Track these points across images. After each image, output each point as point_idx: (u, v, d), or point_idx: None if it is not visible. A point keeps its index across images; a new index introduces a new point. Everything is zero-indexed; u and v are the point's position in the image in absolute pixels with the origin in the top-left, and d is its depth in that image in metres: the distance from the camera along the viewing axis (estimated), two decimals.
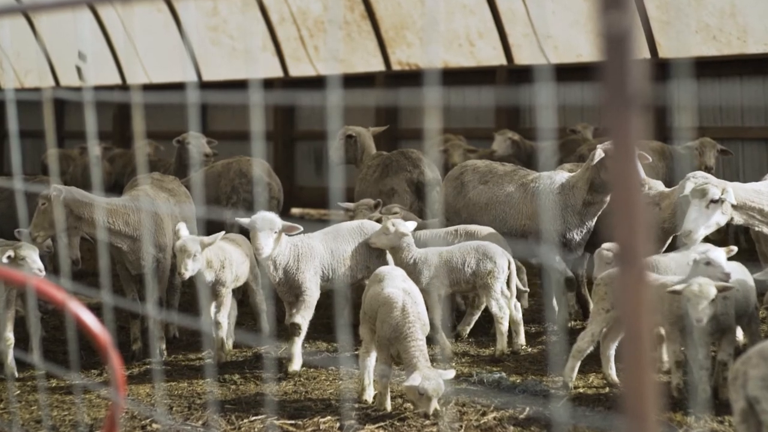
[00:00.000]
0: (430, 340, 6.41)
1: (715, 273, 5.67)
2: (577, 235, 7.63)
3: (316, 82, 15.37)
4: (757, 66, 11.75)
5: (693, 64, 11.47)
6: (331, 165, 12.31)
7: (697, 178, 6.61)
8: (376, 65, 15.18)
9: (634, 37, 1.92)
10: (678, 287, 5.54)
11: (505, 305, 7.14)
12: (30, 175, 10.29)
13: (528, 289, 8.29)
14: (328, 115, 14.18)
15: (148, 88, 17.78)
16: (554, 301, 7.80)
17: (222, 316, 7.23)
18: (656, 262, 6.48)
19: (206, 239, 6.98)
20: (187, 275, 6.83)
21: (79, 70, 17.04)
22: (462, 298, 8.26)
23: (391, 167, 9.38)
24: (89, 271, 10.63)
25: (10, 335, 7.04)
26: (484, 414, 5.86)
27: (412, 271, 6.93)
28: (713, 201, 6.36)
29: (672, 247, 7.23)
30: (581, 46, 13.12)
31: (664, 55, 12.13)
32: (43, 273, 6.81)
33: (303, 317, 6.87)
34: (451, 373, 5.66)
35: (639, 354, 1.98)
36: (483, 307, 7.62)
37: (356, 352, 6.58)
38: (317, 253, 6.97)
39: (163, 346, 7.64)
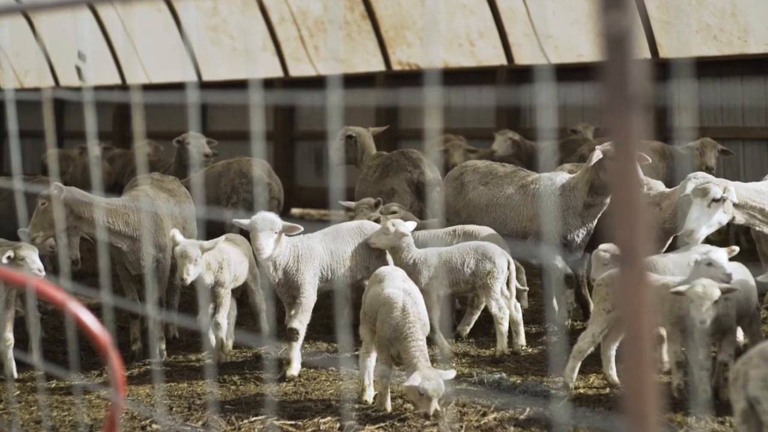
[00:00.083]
0: (430, 341, 6.40)
1: (716, 274, 5.66)
2: (577, 237, 7.63)
3: (316, 82, 15.36)
4: (758, 66, 11.75)
5: (694, 64, 11.46)
6: (331, 165, 12.31)
7: (698, 179, 6.61)
8: (376, 65, 15.17)
9: (634, 37, 1.92)
10: (681, 288, 5.53)
11: (505, 305, 7.14)
12: (30, 176, 10.29)
13: (527, 288, 8.28)
14: (328, 115, 14.18)
15: (148, 88, 17.78)
16: (554, 302, 7.79)
17: (221, 317, 7.22)
18: (655, 262, 6.47)
19: (206, 244, 6.97)
20: (189, 280, 6.82)
21: (78, 70, 17.04)
22: (459, 302, 8.24)
23: (392, 167, 9.37)
24: (89, 271, 10.62)
25: (9, 336, 7.04)
26: (484, 414, 5.85)
27: (412, 271, 6.92)
28: (715, 200, 6.35)
29: (672, 248, 7.22)
30: (582, 46, 13.11)
31: (664, 55, 12.12)
32: (43, 273, 6.81)
33: (301, 322, 6.86)
34: (451, 374, 5.66)
35: (639, 354, 1.98)
36: (483, 306, 7.61)
37: (356, 353, 6.57)
38: (317, 254, 6.96)
39: (163, 347, 7.63)
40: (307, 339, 7.31)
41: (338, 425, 5.82)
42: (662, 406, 5.50)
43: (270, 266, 6.77)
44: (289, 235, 6.80)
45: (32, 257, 6.82)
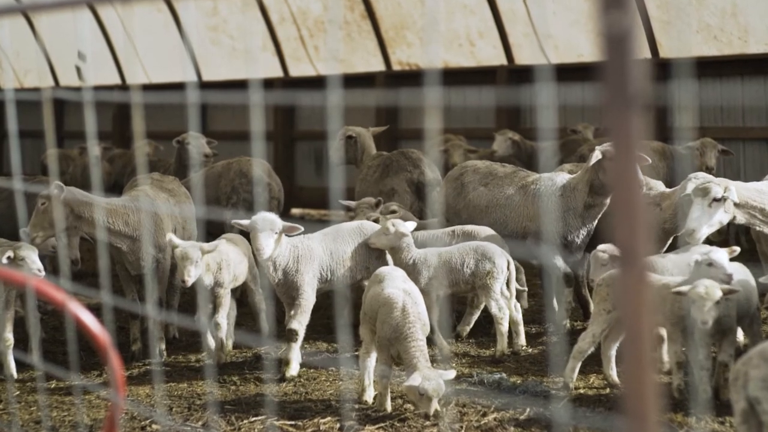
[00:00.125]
0: (429, 341, 6.40)
1: (717, 274, 5.65)
2: (578, 238, 7.62)
3: (316, 82, 15.36)
4: (758, 66, 11.74)
5: (694, 64, 11.45)
6: (331, 165, 12.31)
7: (698, 179, 6.60)
8: (377, 65, 15.17)
9: (634, 37, 1.91)
10: (683, 288, 5.52)
11: (505, 306, 7.13)
12: (29, 176, 10.29)
13: (526, 289, 8.26)
14: (328, 115, 14.18)
15: (147, 88, 17.77)
16: (555, 302, 7.79)
17: (221, 317, 7.21)
18: (653, 262, 6.47)
19: (206, 246, 6.96)
20: (190, 282, 6.81)
21: (78, 70, 17.04)
22: (459, 302, 8.23)
23: (392, 167, 9.37)
24: (89, 271, 10.62)
25: (9, 336, 7.03)
26: (484, 415, 5.85)
27: (411, 271, 6.92)
28: (716, 199, 6.35)
29: (673, 248, 7.22)
30: (582, 46, 13.11)
31: (665, 55, 12.12)
32: (43, 273, 6.80)
33: (299, 323, 6.85)
34: (451, 374, 5.65)
35: (640, 355, 1.97)
36: (482, 306, 7.61)
37: (356, 353, 6.57)
38: (316, 255, 6.95)
39: (163, 347, 7.63)
40: (307, 339, 7.30)
41: (338, 425, 5.81)
42: (662, 406, 5.50)
43: (270, 267, 6.76)
44: (289, 236, 6.79)
45: (32, 257, 6.82)
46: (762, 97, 11.84)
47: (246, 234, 6.91)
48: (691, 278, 5.76)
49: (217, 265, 7.12)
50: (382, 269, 6.42)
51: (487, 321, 7.79)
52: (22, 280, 4.80)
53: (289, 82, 16.12)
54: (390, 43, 14.95)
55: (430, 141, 12.45)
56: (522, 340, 7.26)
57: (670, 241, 7.37)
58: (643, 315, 1.97)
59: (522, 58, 13.73)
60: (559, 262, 7.59)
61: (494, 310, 7.11)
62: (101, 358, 3.99)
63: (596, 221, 7.60)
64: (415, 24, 14.64)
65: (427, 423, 5.68)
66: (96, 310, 7.04)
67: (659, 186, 7.57)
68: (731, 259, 5.94)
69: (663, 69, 11.43)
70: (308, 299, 6.89)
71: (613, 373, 6.20)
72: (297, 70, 16.14)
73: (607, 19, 1.91)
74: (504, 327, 7.12)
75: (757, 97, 11.86)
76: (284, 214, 9.92)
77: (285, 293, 6.92)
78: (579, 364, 6.18)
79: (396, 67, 15.00)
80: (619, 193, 1.97)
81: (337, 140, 9.88)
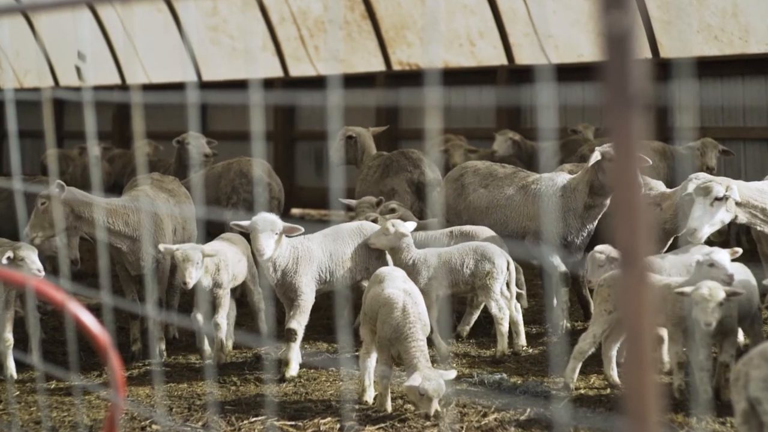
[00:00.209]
0: (429, 341, 6.40)
1: (718, 275, 5.64)
2: (577, 238, 7.61)
3: (317, 82, 15.36)
4: (759, 66, 11.74)
5: (694, 64, 11.45)
6: (331, 165, 12.30)
7: (699, 180, 6.60)
8: (377, 65, 15.17)
9: (635, 37, 1.91)
10: (686, 289, 5.51)
11: (505, 306, 7.13)
12: (29, 176, 10.28)
13: (523, 291, 8.21)
14: (328, 115, 14.17)
15: (147, 88, 17.77)
16: (555, 302, 7.78)
17: (221, 318, 7.20)
18: (651, 262, 6.45)
19: (207, 250, 6.95)
20: (191, 284, 6.80)
21: (78, 70, 17.04)
22: (459, 302, 8.22)
23: (392, 167, 9.37)
24: (89, 271, 10.61)
25: (9, 336, 7.03)
26: (485, 415, 5.84)
27: (411, 271, 6.91)
28: (717, 199, 6.34)
29: (673, 248, 7.21)
30: (582, 46, 13.10)
31: (665, 55, 12.11)
32: (43, 274, 6.80)
33: (298, 323, 6.84)
34: (452, 374, 5.65)
35: (640, 355, 1.97)
36: (482, 306, 7.60)
37: (357, 353, 6.56)
38: (315, 256, 6.94)
39: (163, 347, 7.62)
40: (307, 339, 7.29)
41: (338, 426, 5.81)
42: (663, 406, 5.49)
43: (269, 267, 6.75)
44: (289, 236, 6.79)
45: (32, 257, 6.81)
46: (763, 97, 11.83)
47: (246, 234, 6.90)
48: (692, 279, 5.75)
49: (215, 266, 7.11)
50: (383, 269, 6.41)
51: (488, 321, 7.78)
52: (21, 280, 4.80)
53: (289, 82, 16.12)
54: (390, 43, 14.95)
55: (430, 141, 12.45)
56: (522, 340, 7.26)
57: (670, 242, 7.36)
58: (644, 315, 1.96)
59: (522, 58, 13.73)
60: (557, 261, 7.58)
61: (494, 310, 7.10)
62: (101, 358, 3.99)
63: (596, 222, 7.60)
64: (415, 24, 14.64)
65: (428, 423, 5.67)
66: (96, 310, 7.04)
67: (660, 186, 7.56)
68: (732, 260, 5.93)
69: (663, 69, 11.42)
70: (307, 300, 6.88)
71: (614, 373, 6.20)
72: (297, 70, 16.14)
73: (607, 19, 1.91)
74: (504, 327, 7.12)
75: (757, 97, 11.85)
76: (284, 215, 9.92)
77: (283, 294, 6.91)
78: (579, 365, 6.17)
79: (396, 67, 14.99)
80: (619, 194, 1.96)
81: (337, 140, 9.88)
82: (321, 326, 8.17)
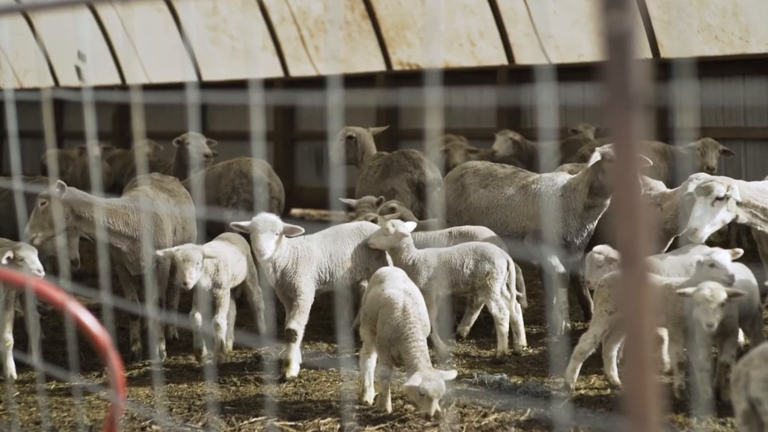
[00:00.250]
0: (429, 341, 6.40)
1: (719, 275, 5.63)
2: (577, 239, 7.61)
3: (317, 82, 15.35)
4: (760, 66, 11.73)
5: (695, 64, 11.44)
6: (331, 165, 12.30)
7: (699, 180, 6.59)
8: (377, 65, 15.16)
9: (635, 37, 1.90)
10: (688, 290, 5.50)
11: (505, 306, 7.12)
12: (29, 176, 10.27)
13: (521, 293, 8.17)
14: (328, 115, 14.16)
15: (147, 88, 17.77)
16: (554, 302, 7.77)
17: (221, 318, 7.19)
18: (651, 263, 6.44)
19: (207, 251, 6.94)
20: (191, 284, 6.79)
21: (78, 70, 17.04)
22: (459, 302, 8.22)
23: (392, 168, 9.36)
24: (89, 272, 10.61)
25: (9, 336, 7.02)
26: (485, 415, 5.84)
27: (411, 271, 6.91)
28: (718, 198, 6.34)
29: (674, 248, 7.21)
30: (583, 46, 13.10)
31: (665, 55, 12.11)
32: (42, 274, 6.79)
33: (298, 323, 6.84)
34: (452, 374, 5.65)
35: (641, 355, 1.97)
36: (482, 305, 7.59)
37: (357, 354, 6.55)
38: (315, 257, 6.93)
39: (163, 347, 7.62)
40: (307, 340, 7.28)
41: (338, 426, 5.80)
42: (663, 407, 5.49)
43: (269, 268, 6.75)
44: (289, 237, 6.78)
45: (32, 258, 6.81)
46: (763, 97, 11.83)
47: (246, 234, 6.90)
48: (693, 279, 5.74)
49: (214, 267, 7.10)
50: (383, 270, 6.41)
51: (488, 321, 7.78)
52: (21, 280, 4.79)
53: (289, 82, 16.11)
54: (390, 43, 14.95)
55: (430, 141, 12.45)
56: (522, 340, 7.25)
57: (671, 242, 7.36)
58: (645, 316, 1.96)
59: (523, 58, 13.73)
60: (555, 262, 7.57)
61: (494, 310, 7.09)
62: (101, 358, 3.99)
63: (596, 222, 7.59)
64: (415, 24, 14.63)
65: (428, 424, 5.67)
66: (96, 310, 7.03)
67: (660, 186, 7.56)
68: (732, 261, 5.93)
69: (664, 69, 11.41)
70: (306, 300, 6.87)
71: (614, 373, 6.19)
72: (297, 70, 16.13)
73: (608, 19, 1.90)
74: (504, 327, 7.11)
75: (758, 97, 11.85)
76: (284, 215, 9.91)
77: (283, 294, 6.91)
78: (580, 365, 6.17)
79: (396, 67, 14.99)
80: (620, 194, 1.96)
81: (338, 140, 9.87)
82: (321, 326, 8.17)
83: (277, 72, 16.17)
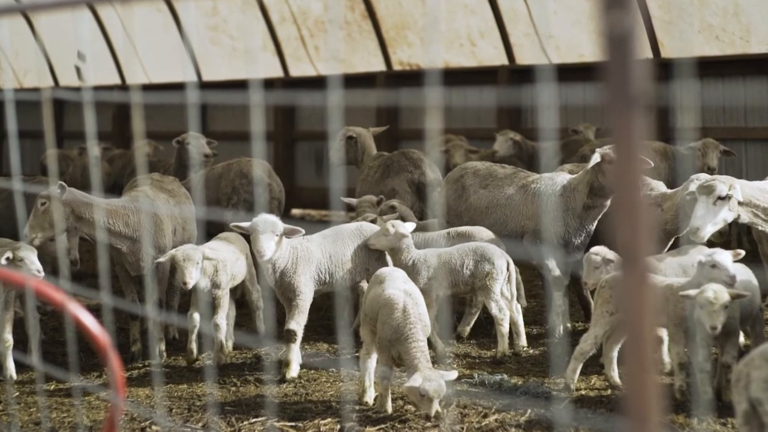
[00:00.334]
0: (430, 342, 6.39)
1: (720, 276, 5.62)
2: (576, 239, 7.59)
3: (317, 82, 15.35)
4: (761, 66, 11.73)
5: (696, 64, 11.44)
6: (331, 166, 12.29)
7: (700, 180, 6.58)
8: (377, 65, 15.16)
9: (636, 37, 1.90)
10: (691, 292, 5.49)
11: (505, 307, 7.12)
12: (29, 176, 10.27)
13: (520, 295, 8.13)
14: (328, 115, 14.16)
15: (147, 88, 17.76)
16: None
17: (220, 318, 7.19)
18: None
19: (208, 252, 6.94)
20: (191, 284, 6.79)
21: (78, 70, 17.03)
22: (459, 302, 8.21)
23: (392, 168, 9.36)
24: (88, 272, 10.61)
25: (8, 337, 7.02)
26: (485, 416, 5.83)
27: (411, 272, 6.90)
28: (720, 197, 6.33)
29: (674, 249, 7.20)
30: (583, 46, 13.09)
31: (666, 55, 12.10)
32: (42, 274, 6.79)
33: (297, 323, 6.83)
34: (453, 374, 5.64)
35: (641, 356, 1.96)
36: (482, 305, 7.59)
37: (357, 354, 6.55)
38: (314, 258, 6.93)
39: (163, 348, 7.61)
40: (307, 340, 7.28)
41: (339, 427, 5.80)
42: (664, 407, 5.48)
43: (269, 268, 6.74)
44: (289, 237, 6.78)
45: (31, 258, 6.80)
46: (764, 97, 11.82)
47: (245, 235, 6.89)
48: (694, 280, 5.74)
49: (213, 267, 7.10)
50: (383, 270, 6.40)
51: (488, 322, 7.77)
52: (21, 280, 4.79)
53: (289, 82, 16.11)
54: (391, 43, 14.94)
55: (431, 141, 12.44)
56: (523, 341, 7.25)
57: (671, 242, 7.35)
58: (645, 317, 1.95)
59: (523, 58, 13.72)
60: (552, 265, 7.54)
61: (494, 311, 7.09)
62: (101, 359, 3.99)
63: (595, 222, 7.58)
64: (415, 24, 14.63)
65: (428, 424, 5.66)
66: (96, 311, 7.03)
67: (661, 187, 7.55)
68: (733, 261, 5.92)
69: (665, 69, 11.41)
70: (305, 300, 6.87)
71: (615, 374, 6.19)
72: (297, 70, 16.13)
73: (608, 19, 1.90)
74: (504, 328, 7.10)
75: (759, 97, 11.84)
76: (285, 215, 9.90)
77: (282, 294, 6.90)
78: (580, 366, 6.16)
79: (397, 67, 14.99)
80: (620, 194, 1.96)
81: (338, 140, 9.87)
82: (321, 327, 8.16)
83: (277, 72, 16.17)
